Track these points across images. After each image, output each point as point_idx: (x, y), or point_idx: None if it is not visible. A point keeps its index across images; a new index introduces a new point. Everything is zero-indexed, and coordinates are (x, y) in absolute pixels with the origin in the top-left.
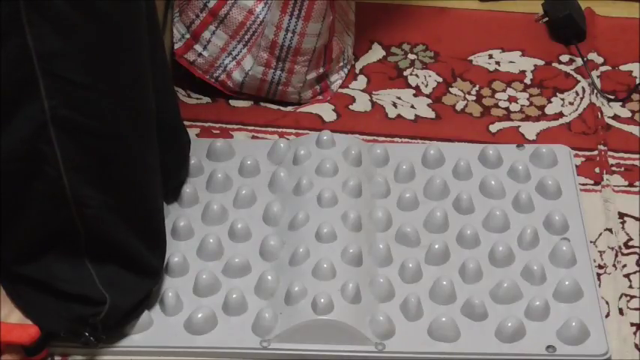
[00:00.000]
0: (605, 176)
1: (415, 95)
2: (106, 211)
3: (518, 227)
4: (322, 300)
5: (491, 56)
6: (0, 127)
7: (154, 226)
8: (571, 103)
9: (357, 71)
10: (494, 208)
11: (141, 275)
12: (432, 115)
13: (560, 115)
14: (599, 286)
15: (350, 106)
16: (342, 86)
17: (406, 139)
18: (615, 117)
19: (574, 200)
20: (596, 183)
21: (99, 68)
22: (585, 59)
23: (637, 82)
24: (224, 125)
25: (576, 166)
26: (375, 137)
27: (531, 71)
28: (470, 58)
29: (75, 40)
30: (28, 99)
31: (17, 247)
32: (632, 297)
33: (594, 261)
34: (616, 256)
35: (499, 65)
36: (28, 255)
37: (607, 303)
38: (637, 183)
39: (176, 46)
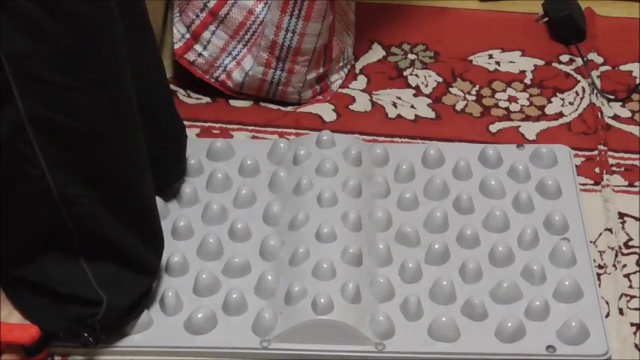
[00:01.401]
0: (605, 176)
1: (415, 95)
2: (96, 209)
3: (518, 227)
4: (322, 300)
5: (491, 56)
6: None
7: (148, 221)
8: (571, 103)
9: (357, 71)
10: (494, 208)
11: (137, 272)
12: (432, 115)
13: (560, 115)
14: (599, 286)
15: (350, 106)
16: (342, 86)
17: (406, 139)
18: (615, 117)
19: (574, 200)
20: (596, 183)
21: (71, 67)
22: (585, 59)
23: (637, 82)
24: (224, 125)
25: (576, 166)
26: (375, 137)
27: (531, 71)
28: (470, 58)
29: (44, 39)
30: (2, 101)
31: (11, 249)
32: (632, 297)
33: (594, 261)
34: (616, 256)
35: (499, 65)
36: (23, 257)
37: (607, 303)
38: (637, 183)
39: (176, 46)
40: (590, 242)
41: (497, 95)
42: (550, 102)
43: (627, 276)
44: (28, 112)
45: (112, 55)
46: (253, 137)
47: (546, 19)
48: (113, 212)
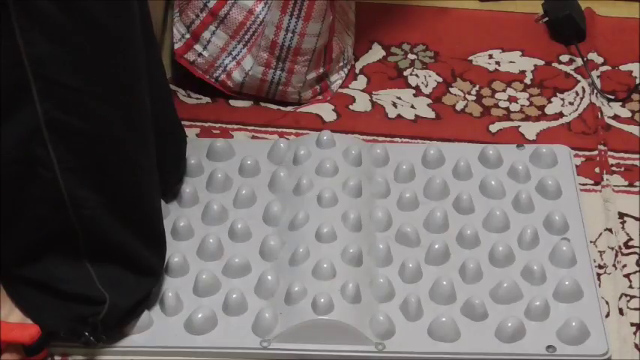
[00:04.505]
0: (605, 176)
1: (415, 95)
2: (104, 212)
3: (518, 227)
4: (322, 300)
5: (491, 56)
6: None
7: (153, 226)
8: (571, 103)
9: (357, 71)
10: (494, 208)
11: (140, 275)
12: (432, 115)
13: (560, 115)
14: (599, 286)
15: (350, 106)
16: (342, 86)
17: (406, 139)
18: (615, 117)
19: (574, 200)
20: (596, 183)
21: (91, 71)
22: (585, 59)
23: (637, 82)
24: (224, 125)
25: (576, 166)
26: (375, 137)
27: (531, 71)
28: (470, 58)
29: (66, 43)
30: (21, 103)
31: (16, 248)
32: (632, 297)
33: (594, 261)
34: (616, 256)
35: (499, 65)
36: (28, 256)
37: (607, 303)
38: (637, 183)
39: (176, 46)
40: (590, 242)
41: (497, 95)
42: (550, 102)
43: (627, 276)
44: (46, 115)
45: (132, 62)
46: (253, 137)
47: (546, 19)
48: (120, 216)
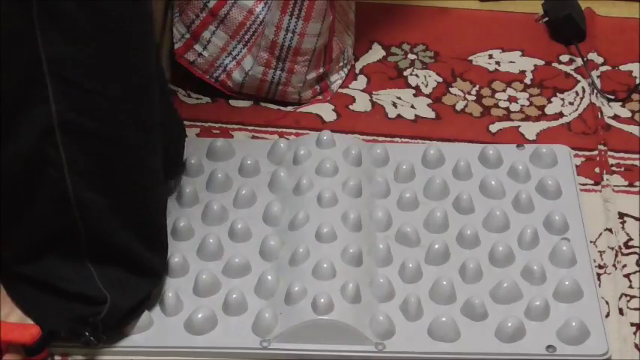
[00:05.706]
0: (605, 176)
1: (415, 95)
2: (108, 214)
3: (518, 227)
4: (322, 300)
5: (491, 56)
6: (7, 129)
7: (156, 228)
8: (571, 103)
9: (357, 71)
10: (494, 208)
11: (142, 276)
12: (432, 115)
13: (560, 115)
14: (599, 286)
15: (350, 106)
16: (342, 86)
17: (406, 139)
18: (615, 117)
19: (574, 200)
20: (596, 183)
21: (107, 74)
22: (585, 59)
23: (637, 82)
24: (224, 125)
25: (576, 166)
26: (375, 137)
27: (531, 71)
28: (470, 58)
29: (85, 45)
30: (36, 102)
31: (19, 247)
32: (632, 297)
33: (594, 261)
34: (616, 256)
35: (499, 65)
36: (30, 255)
37: (607, 303)
38: (637, 183)
39: (176, 46)
40: (590, 242)
41: (497, 95)
42: (550, 102)
43: (627, 276)
44: (60, 116)
45: (147, 66)
46: (253, 137)
47: (546, 19)
48: (124, 218)
